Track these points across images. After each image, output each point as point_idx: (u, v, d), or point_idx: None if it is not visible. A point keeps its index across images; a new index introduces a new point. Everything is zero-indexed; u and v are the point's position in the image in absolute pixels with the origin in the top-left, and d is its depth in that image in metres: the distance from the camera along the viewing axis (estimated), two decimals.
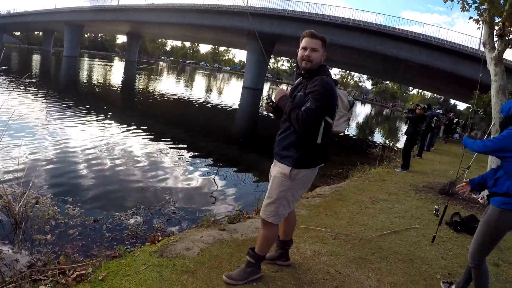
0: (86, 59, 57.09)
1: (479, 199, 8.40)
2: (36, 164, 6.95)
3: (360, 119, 42.73)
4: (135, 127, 12.30)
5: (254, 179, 8.99)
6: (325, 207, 6.35)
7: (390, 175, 9.39)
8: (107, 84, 26.47)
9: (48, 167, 7.02)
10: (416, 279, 4.22)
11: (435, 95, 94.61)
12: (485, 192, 7.90)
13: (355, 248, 4.77)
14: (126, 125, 12.22)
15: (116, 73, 41.63)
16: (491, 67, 8.55)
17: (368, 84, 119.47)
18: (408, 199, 6.46)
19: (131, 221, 5.38)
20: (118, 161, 8.16)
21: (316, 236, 4.96)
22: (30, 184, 5.64)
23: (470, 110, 22.05)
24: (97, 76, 31.27)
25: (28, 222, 4.70)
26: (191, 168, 8.90)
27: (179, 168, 8.61)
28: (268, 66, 76.82)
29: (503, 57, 8.60)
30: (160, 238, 4.40)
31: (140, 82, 35.06)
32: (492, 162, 8.37)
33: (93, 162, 7.84)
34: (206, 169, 9.11)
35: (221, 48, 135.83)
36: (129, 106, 18.40)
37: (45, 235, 4.48)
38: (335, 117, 3.16)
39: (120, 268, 3.42)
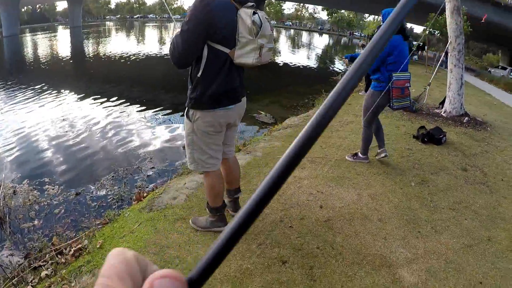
0: (28, 35, 53.65)
1: (441, 113, 8.72)
2: (1, 156, 6.71)
3: (319, 49, 42.59)
4: (93, 94, 11.76)
5: None
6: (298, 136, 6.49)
7: (355, 98, 9.57)
8: (55, 56, 25.07)
9: (14, 155, 6.73)
10: (393, 189, 4.49)
11: None
12: (448, 106, 8.26)
13: (332, 169, 4.98)
14: (83, 95, 11.68)
15: (62, 42, 39.40)
16: None
17: (323, 15, 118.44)
18: None
19: (113, 185, 5.34)
20: (84, 132, 7.90)
21: None
22: (2, 176, 5.49)
23: (427, 32, 22.22)
24: (43, 51, 29.52)
25: (12, 213, 4.54)
26: (158, 122, 8.79)
27: (147, 125, 8.48)
28: None
29: None
30: (145, 194, 4.41)
31: (89, 47, 33.45)
32: (451, 78, 8.65)
33: (59, 139, 7.56)
34: (172, 120, 9.02)
35: None
36: (82, 74, 17.59)
37: (33, 222, 4.38)
38: (237, 45, 2.59)
39: (114, 231, 3.46)
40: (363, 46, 22.91)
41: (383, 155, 5.20)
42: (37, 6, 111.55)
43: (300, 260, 3.02)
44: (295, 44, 51.80)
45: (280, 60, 26.78)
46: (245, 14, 2.53)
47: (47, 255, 3.33)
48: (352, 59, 5.14)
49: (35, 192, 5.11)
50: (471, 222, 3.95)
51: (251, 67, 2.70)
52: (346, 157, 5.41)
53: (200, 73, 2.61)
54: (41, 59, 23.62)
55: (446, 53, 9.09)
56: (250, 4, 2.62)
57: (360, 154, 5.34)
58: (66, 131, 8.01)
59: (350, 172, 4.91)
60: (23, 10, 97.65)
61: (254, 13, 2.57)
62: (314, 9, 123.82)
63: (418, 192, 4.51)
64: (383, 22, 4.18)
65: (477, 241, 3.61)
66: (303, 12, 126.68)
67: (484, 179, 5.26)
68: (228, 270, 2.84)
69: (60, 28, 75.06)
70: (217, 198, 3.12)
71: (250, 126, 8.40)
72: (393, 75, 4.55)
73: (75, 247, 3.31)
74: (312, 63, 25.97)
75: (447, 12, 8.66)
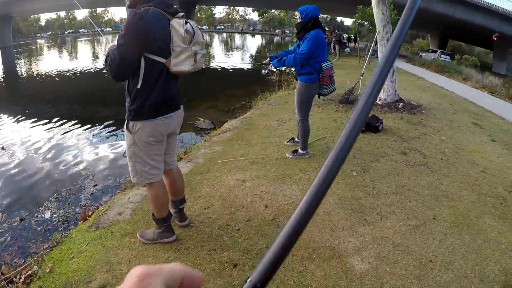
0: None
1: (377, 101, 8.91)
2: None
3: (253, 50, 42.86)
4: (30, 116, 11.15)
5: None
6: (237, 139, 6.44)
7: (291, 96, 9.57)
8: None
9: None
10: (335, 180, 4.47)
11: (321, 15, 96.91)
12: (382, 94, 8.45)
13: (273, 168, 4.94)
14: (19, 117, 11.02)
15: None
16: None
17: (254, 16, 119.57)
18: (312, 114, 6.68)
19: (57, 207, 5.12)
20: (23, 156, 7.49)
21: (236, 167, 5.05)
22: None
23: (357, 23, 22.86)
24: None
25: None
26: (96, 139, 8.46)
27: (87, 143, 8.17)
28: None
29: None
30: (90, 213, 4.27)
31: (22, 67, 32.09)
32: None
33: None
34: (111, 134, 8.77)
35: (99, 10, 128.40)
36: (17, 96, 16.76)
37: None
38: (172, 54, 2.65)
39: (63, 254, 3.30)
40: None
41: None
42: None
43: (250, 261, 2.97)
44: (229, 47, 51.94)
45: (214, 64, 26.76)
46: (177, 24, 2.61)
47: None
48: (282, 62, 5.17)
49: None
50: (415, 204, 4.03)
51: (187, 74, 2.75)
52: (287, 155, 5.43)
53: (139, 85, 2.62)
54: None
55: (376, 43, 9.30)
56: (181, 14, 2.71)
57: (300, 150, 5.39)
58: (3, 156, 7.59)
59: (292, 169, 4.89)
60: None
61: (186, 22, 2.67)
62: (245, 11, 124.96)
63: (361, 180, 4.56)
64: (301, 19, 4.86)
65: (423, 221, 3.69)
66: (234, 15, 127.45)
67: (424, 160, 5.42)
68: None
69: None
70: (162, 208, 3.08)
71: (190, 134, 8.25)
72: (322, 65, 4.88)
73: (25, 274, 3.14)
74: (247, 65, 26.06)
75: (373, 3, 8.88)
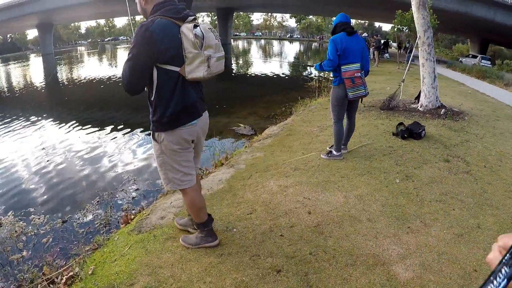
0: (0, 65, 53.02)
1: (418, 108, 8.82)
2: None
3: (291, 57, 42.83)
4: (70, 121, 11.53)
5: None
6: (279, 145, 6.52)
7: None
8: (29, 85, 24.70)
9: None
10: (378, 187, 4.51)
11: (360, 21, 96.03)
12: (424, 101, 8.35)
13: (315, 174, 4.97)
14: (60, 122, 11.45)
15: (35, 70, 38.93)
16: None
17: (292, 22, 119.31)
18: None
19: (99, 210, 5.28)
20: (64, 160, 7.79)
21: (278, 173, 5.11)
22: None
23: (396, 29, 22.60)
24: (16, 80, 29.04)
25: None
26: (136, 144, 8.70)
27: (127, 148, 8.38)
28: None
29: None
30: (132, 216, 4.35)
31: (62, 73, 33.15)
32: (424, 72, 8.77)
33: (40, 168, 7.43)
34: (151, 139, 8.94)
35: (138, 18, 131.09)
36: (57, 102, 17.31)
37: (21, 253, 4.25)
38: (186, 61, 2.60)
39: (105, 256, 3.39)
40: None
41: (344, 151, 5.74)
42: (8, 35, 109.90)
43: (294, 267, 2.99)
44: (267, 54, 52.06)
45: (253, 71, 26.91)
46: (187, 30, 2.55)
47: (38, 286, 3.27)
48: (321, 67, 5.36)
49: (21, 223, 4.98)
50: (459, 212, 3.98)
51: (204, 79, 2.70)
52: (321, 156, 5.56)
53: (154, 96, 2.64)
54: (15, 89, 23.32)
55: (417, 46, 9.20)
56: (191, 18, 2.65)
57: (334, 152, 5.49)
58: (47, 160, 7.89)
59: (334, 175, 4.91)
60: None
61: (196, 26, 2.59)
62: (282, 17, 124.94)
63: (404, 188, 4.54)
64: (339, 22, 5.10)
65: (467, 229, 3.63)
66: (271, 22, 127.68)
67: (467, 168, 5.32)
68: (222, 284, 2.81)
69: (32, 56, 74.17)
70: (200, 213, 3.11)
71: (231, 140, 8.36)
72: (341, 67, 5.05)
73: (66, 275, 3.23)
74: (286, 71, 26.08)
75: (413, 8, 8.81)
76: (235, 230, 3.61)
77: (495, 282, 0.40)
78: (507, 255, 0.43)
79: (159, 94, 2.64)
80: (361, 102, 5.43)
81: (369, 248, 3.25)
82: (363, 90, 5.11)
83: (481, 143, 6.55)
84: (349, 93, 5.05)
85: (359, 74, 5.06)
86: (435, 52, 8.87)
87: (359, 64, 5.07)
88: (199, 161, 3.31)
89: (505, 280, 0.39)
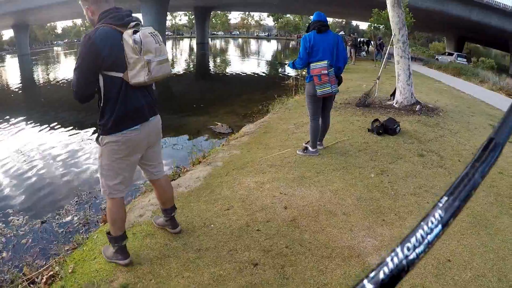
0: None
1: (394, 104, 8.93)
2: None
3: (268, 56, 42.97)
4: (47, 122, 11.25)
5: (179, 136, 8.79)
6: (256, 142, 6.53)
7: None
8: (5, 87, 24.30)
9: None
10: (354, 182, 4.57)
11: (336, 19, 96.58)
12: (399, 97, 8.46)
13: (292, 170, 5.00)
14: (37, 124, 11.18)
15: (11, 72, 38.34)
16: None
17: (269, 21, 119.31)
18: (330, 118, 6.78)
19: (78, 210, 5.23)
20: (42, 162, 7.65)
21: (255, 170, 5.13)
22: None
23: (372, 27, 22.82)
24: None
25: None
26: None
27: None
28: (167, 23, 74.63)
29: None
30: None
31: (39, 74, 32.54)
32: (399, 69, 8.89)
33: (17, 170, 7.30)
34: None
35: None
36: (34, 103, 16.98)
37: (0, 254, 4.23)
38: (128, 67, 2.64)
39: (85, 255, 3.39)
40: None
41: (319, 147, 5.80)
42: None
43: (270, 261, 3.03)
44: (244, 53, 52.10)
45: (231, 70, 26.93)
46: (127, 36, 2.59)
47: (19, 286, 3.25)
48: (294, 65, 5.48)
49: None
50: (432, 204, 4.02)
51: (146, 84, 2.72)
52: (297, 152, 5.62)
53: (102, 102, 2.69)
54: None
55: (392, 44, 9.31)
56: (133, 24, 2.69)
57: (309, 148, 5.55)
58: (24, 162, 7.75)
59: (310, 171, 4.95)
60: None
61: (135, 31, 2.63)
62: (260, 16, 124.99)
63: (379, 182, 4.60)
64: (313, 21, 5.18)
65: None
66: (249, 21, 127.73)
67: (441, 162, 5.43)
68: (201, 278, 2.84)
69: (8, 57, 72.62)
70: (116, 225, 3.03)
71: (208, 138, 8.35)
72: (310, 65, 5.13)
73: (47, 274, 3.24)
74: (263, 70, 26.14)
75: (388, 6, 8.92)
76: (212, 226, 3.63)
77: (425, 227, 0.38)
78: (444, 197, 0.40)
79: (105, 100, 2.68)
80: (334, 100, 5.47)
81: (344, 241, 3.30)
82: (329, 88, 5.10)
83: (455, 138, 6.68)
84: (317, 90, 5.10)
85: (326, 72, 5.04)
86: (411, 50, 9.01)
87: (326, 61, 5.05)
88: (161, 164, 3.32)
89: (440, 225, 0.38)
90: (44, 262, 3.73)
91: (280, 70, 25.28)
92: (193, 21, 79.25)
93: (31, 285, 3.21)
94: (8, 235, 4.68)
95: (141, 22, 2.75)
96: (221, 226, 3.63)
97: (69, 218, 5.04)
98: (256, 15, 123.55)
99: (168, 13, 59.50)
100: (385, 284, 0.36)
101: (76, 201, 5.51)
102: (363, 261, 3.01)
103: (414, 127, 7.18)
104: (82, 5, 2.72)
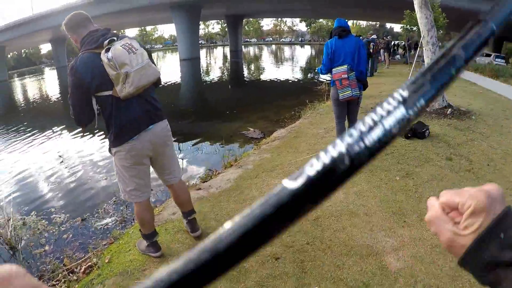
0: (17, 79, 52.90)
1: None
2: (6, 191, 6.87)
3: (301, 61, 42.98)
4: (86, 130, 11.92)
5: (213, 141, 9.02)
6: (285, 146, 6.71)
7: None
8: (44, 97, 25.19)
9: (19, 190, 6.93)
10: (378, 184, 4.68)
11: (370, 22, 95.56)
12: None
13: None
14: (76, 131, 11.62)
15: (50, 83, 39.72)
16: None
17: (302, 26, 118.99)
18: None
19: (115, 209, 5.52)
20: (82, 165, 8.07)
21: (283, 172, 5.32)
22: (11, 209, 5.64)
23: (405, 29, 22.55)
24: (32, 93, 29.62)
25: (23, 242, 4.74)
26: None
27: None
28: (200, 32, 75.41)
29: None
30: None
31: None
32: None
33: (59, 173, 7.75)
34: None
35: (148, 28, 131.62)
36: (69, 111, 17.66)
37: (43, 247, 4.56)
38: (114, 83, 2.79)
39: (120, 247, 3.69)
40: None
41: None
42: (22, 51, 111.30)
43: (291, 255, 3.22)
44: (278, 59, 52.19)
45: (264, 76, 27.09)
46: (103, 55, 2.74)
47: (59, 275, 3.54)
48: (321, 71, 5.70)
49: (43, 221, 5.27)
50: None
51: (134, 94, 2.83)
52: None
53: (102, 119, 2.93)
54: (31, 101, 23.91)
55: (421, 46, 9.30)
56: (106, 42, 2.81)
57: None
58: (66, 166, 8.21)
59: None
60: (9, 56, 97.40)
61: (108, 49, 2.76)
62: (292, 22, 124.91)
63: (403, 185, 4.69)
64: (334, 28, 5.35)
65: None
66: (281, 26, 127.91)
67: (470, 166, 5.42)
68: None
69: (46, 69, 75.27)
70: (144, 226, 3.31)
71: (240, 143, 8.56)
72: (332, 69, 5.33)
73: (85, 265, 3.56)
74: (296, 75, 26.17)
75: (416, 8, 8.90)
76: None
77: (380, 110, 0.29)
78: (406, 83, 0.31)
79: (103, 117, 2.91)
80: (359, 104, 5.60)
81: (364, 240, 3.43)
82: (349, 92, 5.24)
83: (486, 142, 6.62)
84: (339, 94, 5.28)
85: (346, 76, 5.20)
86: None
87: (346, 66, 5.21)
88: (174, 171, 3.44)
89: (402, 107, 0.29)
90: (83, 255, 4.01)
91: (312, 75, 25.30)
92: (226, 29, 79.74)
93: (71, 274, 3.50)
94: (51, 231, 5.01)
95: (117, 36, 2.91)
96: None
97: (107, 216, 5.33)
98: (288, 20, 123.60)
99: (200, 22, 60.41)
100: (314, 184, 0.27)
101: (114, 201, 5.79)
102: (380, 259, 3.13)
103: (444, 130, 7.18)
104: (69, 36, 2.97)
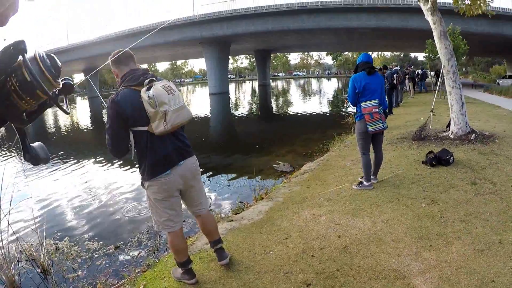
0: (49, 108, 55.46)
1: (449, 135, 9.04)
2: (40, 216, 7.15)
3: (328, 94, 43.24)
4: (121, 160, 12.22)
5: (243, 174, 9.36)
6: (314, 179, 6.97)
7: None
8: (76, 126, 26.24)
9: (53, 216, 7.27)
10: (404, 212, 4.85)
11: (394, 53, 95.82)
12: (453, 128, 8.58)
13: (347, 203, 5.39)
14: (106, 161, 12.30)
15: (82, 112, 41.50)
16: (428, 17, 9.32)
17: (328, 60, 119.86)
18: (386, 153, 7.00)
19: (148, 239, 5.75)
20: (116, 193, 8.50)
21: (312, 204, 5.56)
22: (44, 234, 5.84)
23: (428, 58, 22.72)
24: (65, 121, 30.71)
25: (55, 266, 4.99)
26: None
27: None
28: (229, 67, 76.71)
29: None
30: None
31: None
32: (451, 99, 9.04)
33: (93, 200, 8.13)
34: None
35: (179, 62, 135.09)
36: (101, 140, 18.23)
37: (76, 272, 4.81)
38: (151, 120, 2.99)
39: (155, 274, 3.95)
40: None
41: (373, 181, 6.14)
42: None
43: (322, 282, 3.41)
44: (305, 92, 52.62)
45: (292, 110, 27.45)
46: (143, 93, 2.95)
47: None
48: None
49: (76, 247, 5.57)
50: (481, 230, 4.19)
51: (167, 132, 3.02)
52: (353, 186, 6.02)
53: (134, 153, 3.13)
54: (64, 130, 24.89)
55: (442, 76, 9.49)
56: (147, 81, 3.05)
57: (364, 182, 5.94)
58: (99, 191, 8.67)
59: (364, 203, 5.30)
60: None
61: (149, 88, 2.97)
62: (319, 55, 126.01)
63: (429, 211, 4.83)
64: (361, 62, 5.67)
65: (488, 245, 3.84)
66: (308, 60, 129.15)
67: (494, 188, 5.51)
68: None
69: (78, 98, 77.49)
70: (178, 254, 3.50)
71: (271, 176, 8.79)
72: (361, 104, 5.65)
73: None
74: (324, 109, 26.45)
75: (436, 39, 9.22)
76: (271, 252, 4.09)
77: None
78: None
79: (137, 151, 3.12)
80: (383, 134, 5.88)
81: (392, 265, 3.61)
82: (381, 124, 5.59)
83: (510, 163, 6.69)
84: (369, 127, 5.57)
85: (377, 110, 5.56)
86: (472, 77, 9.19)
87: (376, 101, 5.59)
88: (201, 203, 3.62)
89: None
90: (116, 282, 4.27)
91: (339, 108, 25.48)
92: (254, 64, 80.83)
93: None
94: (84, 257, 5.31)
95: (156, 77, 3.15)
96: (279, 252, 4.07)
97: (140, 245, 5.60)
98: (315, 54, 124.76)
99: (230, 56, 61.47)
100: None
101: (147, 231, 6.05)
102: (408, 282, 3.30)
103: (468, 156, 7.30)
104: (113, 70, 3.27)
